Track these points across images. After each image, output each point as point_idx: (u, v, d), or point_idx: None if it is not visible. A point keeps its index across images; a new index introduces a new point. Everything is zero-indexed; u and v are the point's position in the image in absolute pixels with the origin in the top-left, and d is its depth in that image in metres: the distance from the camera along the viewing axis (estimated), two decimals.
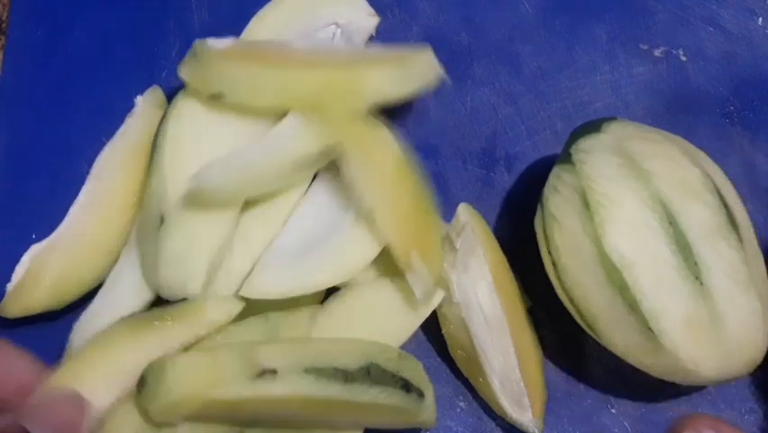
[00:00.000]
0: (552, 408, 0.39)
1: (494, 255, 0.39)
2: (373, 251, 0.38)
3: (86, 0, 0.47)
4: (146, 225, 0.39)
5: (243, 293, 0.36)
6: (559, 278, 0.36)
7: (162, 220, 0.37)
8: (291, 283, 0.37)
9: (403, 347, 0.39)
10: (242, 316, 0.37)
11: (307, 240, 0.38)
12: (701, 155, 0.38)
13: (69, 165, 0.42)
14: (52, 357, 0.41)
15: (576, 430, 0.40)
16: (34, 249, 0.40)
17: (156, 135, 0.40)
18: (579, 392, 0.40)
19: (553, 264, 0.37)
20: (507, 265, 0.40)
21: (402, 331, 0.39)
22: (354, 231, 0.38)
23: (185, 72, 0.39)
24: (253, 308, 0.37)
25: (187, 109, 0.40)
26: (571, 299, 0.36)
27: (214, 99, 0.39)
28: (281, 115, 0.40)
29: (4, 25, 0.47)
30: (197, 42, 0.39)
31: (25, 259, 0.39)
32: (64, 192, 0.41)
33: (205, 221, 0.37)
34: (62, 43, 0.46)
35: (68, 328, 0.39)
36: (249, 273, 0.38)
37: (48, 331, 0.40)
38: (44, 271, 0.39)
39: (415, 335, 0.40)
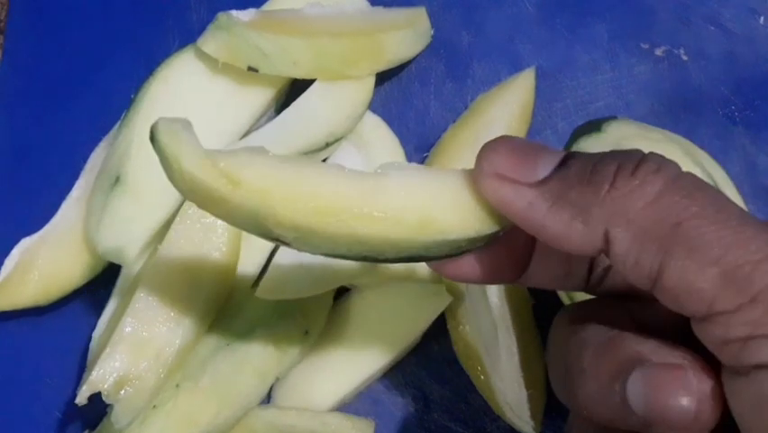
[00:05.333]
0: (551, 409, 0.39)
1: None
2: None
3: None
4: (102, 177, 0.39)
5: (258, 294, 0.36)
6: None
7: (118, 180, 0.37)
8: (304, 283, 0.37)
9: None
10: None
11: None
12: (703, 155, 0.38)
13: (66, 162, 0.42)
14: (37, 357, 0.41)
15: None
16: (24, 242, 0.39)
17: (137, 92, 0.40)
18: None
19: None
20: None
21: (411, 331, 0.39)
22: None
23: (208, 46, 0.39)
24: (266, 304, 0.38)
25: (174, 73, 0.39)
26: (571, 299, 0.36)
27: (249, 72, 0.39)
28: (274, 87, 0.40)
29: (2, 24, 0.46)
30: (222, 15, 0.39)
31: (15, 252, 0.39)
32: (59, 187, 0.41)
33: (158, 195, 0.37)
34: (61, 41, 0.46)
35: (56, 329, 0.40)
36: (259, 274, 0.38)
37: (34, 329, 0.40)
38: (33, 266, 0.39)
39: None
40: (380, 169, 0.25)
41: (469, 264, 0.27)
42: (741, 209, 0.23)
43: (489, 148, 0.25)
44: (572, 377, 0.25)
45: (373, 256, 0.25)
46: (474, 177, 0.25)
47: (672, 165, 0.23)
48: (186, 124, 0.24)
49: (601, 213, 0.23)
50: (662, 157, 0.24)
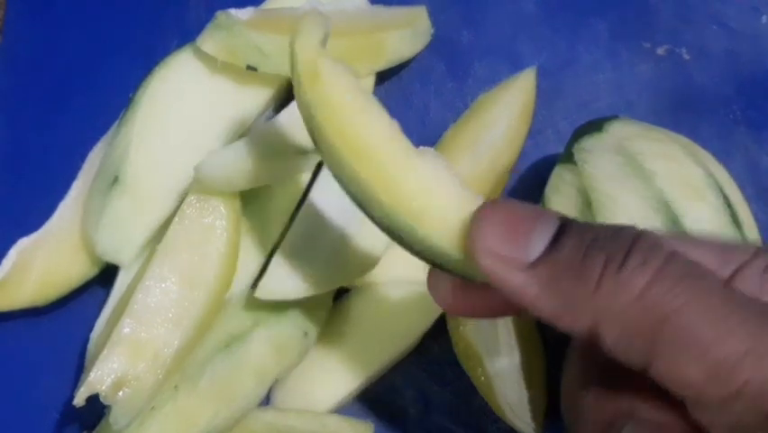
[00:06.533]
0: (552, 410, 0.39)
1: None
2: (382, 249, 0.38)
3: None
4: (100, 177, 0.39)
5: (257, 295, 0.36)
6: None
7: (116, 180, 0.37)
8: (303, 284, 0.36)
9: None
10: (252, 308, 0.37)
11: (317, 239, 0.38)
12: (705, 154, 0.38)
13: (64, 162, 0.42)
14: (35, 358, 0.41)
15: None
16: (21, 243, 0.39)
17: (135, 91, 0.39)
18: None
19: None
20: None
21: (411, 331, 0.39)
22: (364, 229, 0.38)
23: (207, 45, 0.39)
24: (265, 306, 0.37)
25: (173, 73, 0.39)
26: None
27: (248, 71, 0.39)
28: (274, 86, 0.40)
29: (0, 24, 0.46)
30: (221, 14, 0.39)
31: (12, 253, 0.39)
32: (57, 187, 0.41)
33: (157, 195, 0.37)
34: (59, 40, 0.46)
35: (54, 330, 0.40)
36: (258, 274, 0.38)
37: (31, 330, 0.40)
38: (31, 266, 0.39)
39: None
40: (422, 149, 0.27)
41: (472, 300, 0.28)
42: (728, 293, 0.23)
43: (482, 218, 0.25)
44: (576, 415, 0.27)
45: (363, 207, 0.27)
46: (467, 246, 0.25)
47: (659, 252, 0.23)
48: (327, 22, 0.28)
49: (588, 309, 0.23)
50: (653, 241, 0.24)
